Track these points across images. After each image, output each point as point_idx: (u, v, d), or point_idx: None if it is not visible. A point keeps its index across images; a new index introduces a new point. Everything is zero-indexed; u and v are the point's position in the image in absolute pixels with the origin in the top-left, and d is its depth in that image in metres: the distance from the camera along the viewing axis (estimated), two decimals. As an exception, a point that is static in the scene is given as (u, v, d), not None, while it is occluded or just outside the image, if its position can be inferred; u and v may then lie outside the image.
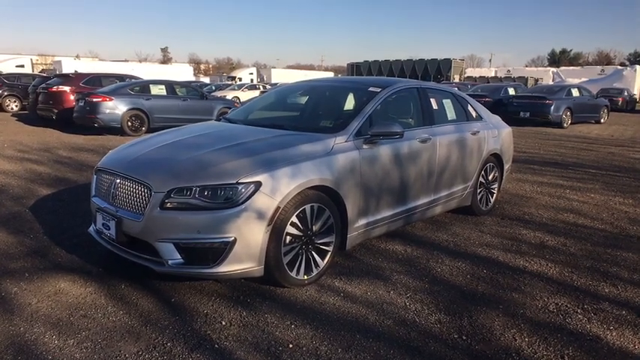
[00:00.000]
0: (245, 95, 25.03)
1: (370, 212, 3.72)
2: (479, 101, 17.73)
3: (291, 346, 2.60)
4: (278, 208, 3.01)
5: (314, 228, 3.29)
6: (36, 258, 3.74)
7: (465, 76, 44.47)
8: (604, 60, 77.09)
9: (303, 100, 4.79)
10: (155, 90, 12.24)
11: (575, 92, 16.72)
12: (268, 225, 2.98)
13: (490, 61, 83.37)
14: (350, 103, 4.23)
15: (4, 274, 3.44)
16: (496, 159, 5.34)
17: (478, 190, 5.08)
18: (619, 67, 43.78)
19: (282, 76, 46.28)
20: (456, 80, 39.58)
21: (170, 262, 2.96)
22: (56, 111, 12.65)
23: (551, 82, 41.21)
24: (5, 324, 2.78)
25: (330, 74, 56.45)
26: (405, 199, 4.06)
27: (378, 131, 3.63)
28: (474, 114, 5.14)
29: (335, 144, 3.48)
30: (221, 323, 2.81)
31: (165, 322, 2.81)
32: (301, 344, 2.61)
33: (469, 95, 18.80)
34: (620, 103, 26.11)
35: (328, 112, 4.42)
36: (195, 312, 2.94)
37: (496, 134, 5.31)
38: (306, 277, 3.29)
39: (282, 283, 3.19)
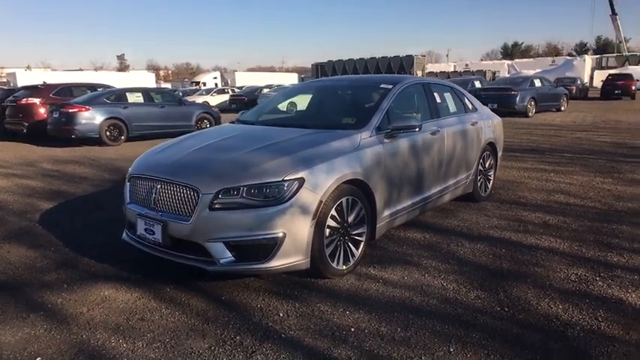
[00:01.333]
0: (214, 100, 24.88)
1: (393, 203, 3.92)
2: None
3: (353, 329, 2.76)
4: (320, 202, 3.17)
5: (349, 220, 3.46)
6: (67, 269, 3.74)
7: (427, 71, 45.54)
8: (553, 51, 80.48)
9: (315, 99, 4.95)
10: (132, 98, 12.09)
11: (537, 83, 17.54)
12: (313, 219, 3.13)
13: (447, 56, 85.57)
14: (365, 101, 4.43)
15: (42, 287, 3.45)
16: (491, 147, 5.66)
17: (478, 178, 5.37)
18: (569, 58, 45.98)
19: (247, 79, 46.06)
20: (419, 76, 40.45)
21: (222, 260, 3.07)
22: (27, 124, 12.30)
23: (507, 74, 42.81)
24: (65, 333, 2.82)
25: (294, 75, 56.56)
26: (421, 188, 4.29)
27: (398, 125, 3.84)
28: (470, 106, 5.44)
29: (361, 139, 3.66)
30: (279, 315, 2.95)
31: (225, 319, 2.92)
32: (362, 327, 2.78)
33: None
34: (574, 91, 27.39)
35: (345, 109, 4.60)
36: (250, 307, 3.06)
37: (490, 124, 5.63)
38: (344, 267, 3.46)
39: (325, 274, 3.35)
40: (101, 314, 3.03)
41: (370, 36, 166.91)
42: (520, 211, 5.11)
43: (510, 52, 79.97)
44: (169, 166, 3.41)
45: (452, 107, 5.08)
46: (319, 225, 3.19)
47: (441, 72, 45.11)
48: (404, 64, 40.35)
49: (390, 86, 4.32)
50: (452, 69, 50.38)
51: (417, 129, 3.91)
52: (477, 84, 19.11)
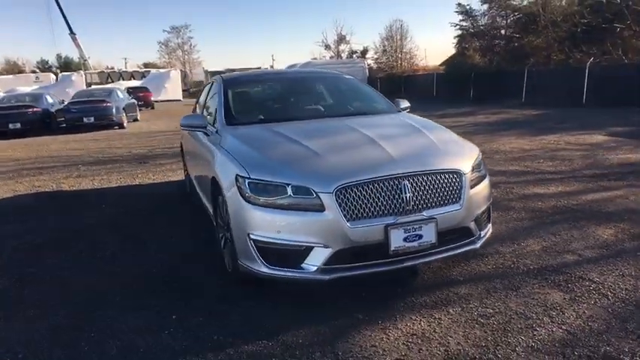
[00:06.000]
0: None
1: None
2: (27, 111, 15.95)
3: (611, 268, 3.29)
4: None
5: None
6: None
7: None
8: (14, 68, 75.98)
9: (293, 93, 4.46)
10: None
11: (120, 94, 17.72)
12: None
13: None
14: (354, 89, 4.63)
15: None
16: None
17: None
18: (67, 74, 45.31)
19: None
20: None
21: (482, 234, 3.13)
22: None
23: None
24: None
25: None
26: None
27: (404, 107, 4.49)
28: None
29: None
30: (551, 291, 3.36)
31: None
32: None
33: (12, 105, 15.87)
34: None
35: (348, 97, 4.55)
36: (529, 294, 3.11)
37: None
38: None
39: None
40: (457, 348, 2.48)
41: None
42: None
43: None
44: (402, 158, 2.91)
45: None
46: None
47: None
48: None
49: (352, 77, 4.75)
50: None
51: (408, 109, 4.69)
52: (50, 99, 17.04)
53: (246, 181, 2.83)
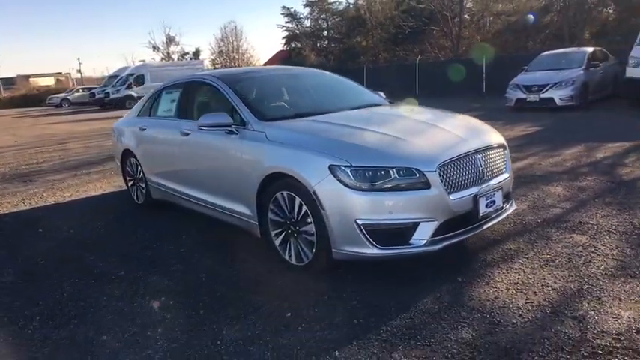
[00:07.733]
0: None
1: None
2: None
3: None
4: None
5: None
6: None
7: None
8: None
9: (303, 86, 4.59)
10: None
11: None
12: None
13: None
14: (346, 83, 4.82)
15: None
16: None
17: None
18: None
19: None
20: None
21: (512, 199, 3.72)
22: None
23: None
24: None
25: None
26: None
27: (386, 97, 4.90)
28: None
29: None
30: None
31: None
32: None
33: None
34: None
35: (349, 90, 4.73)
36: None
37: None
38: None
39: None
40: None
41: None
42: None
43: None
44: (467, 137, 3.34)
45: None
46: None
47: None
48: None
49: (331, 73, 4.99)
50: None
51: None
52: None
53: (349, 169, 2.92)
